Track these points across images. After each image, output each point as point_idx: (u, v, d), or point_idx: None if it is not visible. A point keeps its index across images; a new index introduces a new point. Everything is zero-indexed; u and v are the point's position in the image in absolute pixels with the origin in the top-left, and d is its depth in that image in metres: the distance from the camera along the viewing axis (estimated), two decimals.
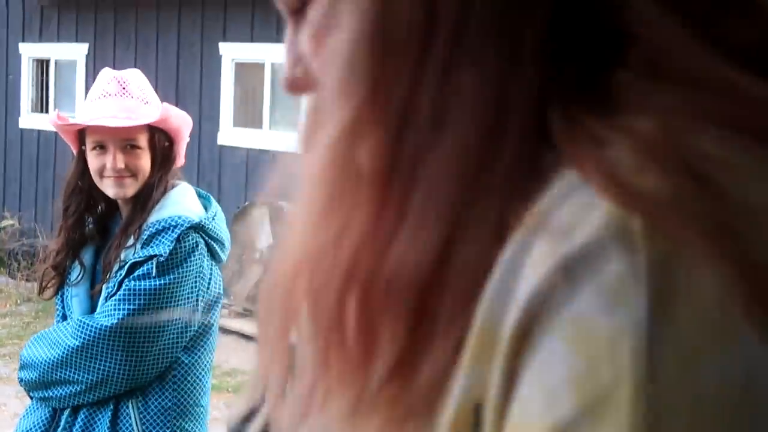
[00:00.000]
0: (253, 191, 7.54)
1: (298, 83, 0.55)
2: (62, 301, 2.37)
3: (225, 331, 5.93)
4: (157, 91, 2.39)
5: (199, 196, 2.35)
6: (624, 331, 0.37)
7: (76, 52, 8.97)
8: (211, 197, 2.41)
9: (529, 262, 0.41)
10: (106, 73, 2.34)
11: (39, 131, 9.23)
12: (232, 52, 7.86)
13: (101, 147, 2.22)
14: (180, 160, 2.34)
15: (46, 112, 9.24)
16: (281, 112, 7.26)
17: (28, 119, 9.40)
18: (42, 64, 9.40)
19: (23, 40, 9.41)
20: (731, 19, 0.47)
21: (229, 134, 7.80)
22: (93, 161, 2.24)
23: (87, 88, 8.62)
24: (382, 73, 0.46)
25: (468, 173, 0.45)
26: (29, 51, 9.38)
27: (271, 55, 7.33)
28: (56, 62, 9.23)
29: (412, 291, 0.45)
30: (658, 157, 0.40)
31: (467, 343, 0.43)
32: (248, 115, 7.88)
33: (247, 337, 6.46)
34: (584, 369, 0.37)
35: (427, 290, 0.45)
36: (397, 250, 0.45)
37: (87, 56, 8.86)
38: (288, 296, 0.50)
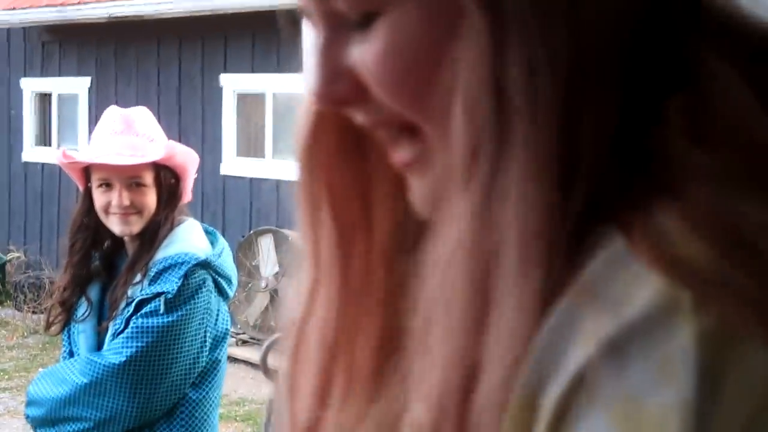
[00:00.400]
0: (257, 219, 7.55)
1: (340, 98, 0.50)
2: (69, 337, 2.37)
3: (232, 359, 5.92)
4: (159, 123, 2.40)
5: (206, 232, 2.35)
6: (672, 409, 0.36)
7: (78, 85, 9.04)
8: (218, 233, 2.41)
9: (577, 333, 0.40)
10: (112, 111, 2.35)
11: (43, 164, 9.28)
12: (233, 84, 7.90)
13: (107, 184, 2.23)
14: (187, 197, 2.34)
15: (50, 145, 9.31)
16: (284, 141, 7.29)
17: (32, 153, 9.46)
18: (44, 98, 9.47)
19: (25, 75, 9.49)
20: None
21: (232, 164, 7.84)
22: (98, 198, 2.24)
23: (90, 121, 8.72)
24: (549, 121, 0.43)
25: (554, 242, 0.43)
26: (31, 85, 9.46)
27: (272, 85, 7.37)
28: (59, 96, 9.30)
29: None
30: (707, 228, 0.39)
31: (507, 408, 0.42)
32: (251, 144, 7.92)
33: (255, 365, 6.44)
34: None
35: None
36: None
37: (89, 89, 8.93)
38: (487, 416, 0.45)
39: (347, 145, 0.57)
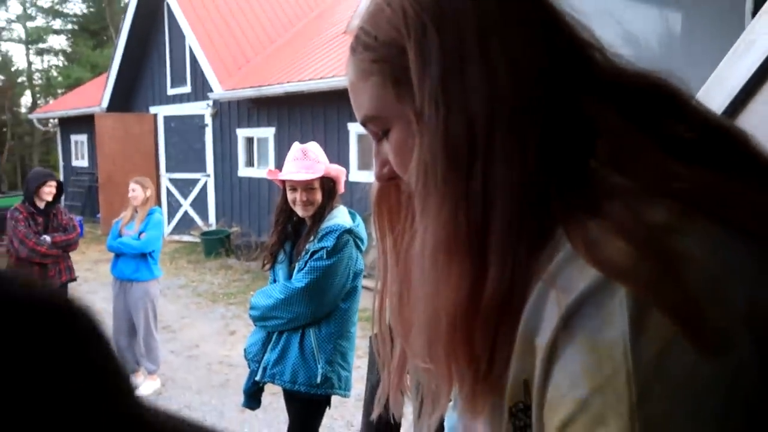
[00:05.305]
0: (368, 206, 7.50)
1: (386, 177, 0.55)
2: (273, 272, 2.40)
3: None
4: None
5: (350, 213, 2.38)
6: (616, 341, 0.36)
7: (268, 132, 9.13)
8: (356, 214, 2.42)
9: (548, 302, 0.40)
10: (296, 146, 2.38)
11: (249, 178, 9.43)
12: (355, 128, 7.92)
13: (293, 188, 2.28)
14: (341, 190, 2.37)
15: (253, 166, 9.47)
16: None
17: (244, 171, 9.60)
18: (249, 141, 9.59)
19: (239, 127, 9.64)
20: (676, 124, 0.43)
21: (355, 175, 7.88)
22: (289, 195, 2.29)
23: (274, 153, 8.83)
24: (453, 177, 0.43)
25: (512, 236, 0.42)
26: (242, 133, 9.59)
27: None
28: (257, 139, 9.43)
29: (494, 314, 0.43)
30: (623, 234, 0.38)
31: (516, 342, 0.42)
32: (366, 163, 7.94)
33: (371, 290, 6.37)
34: (593, 364, 0.36)
35: (499, 312, 0.43)
36: (485, 294, 0.43)
37: (274, 135, 9.03)
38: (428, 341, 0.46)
39: (395, 198, 0.60)
